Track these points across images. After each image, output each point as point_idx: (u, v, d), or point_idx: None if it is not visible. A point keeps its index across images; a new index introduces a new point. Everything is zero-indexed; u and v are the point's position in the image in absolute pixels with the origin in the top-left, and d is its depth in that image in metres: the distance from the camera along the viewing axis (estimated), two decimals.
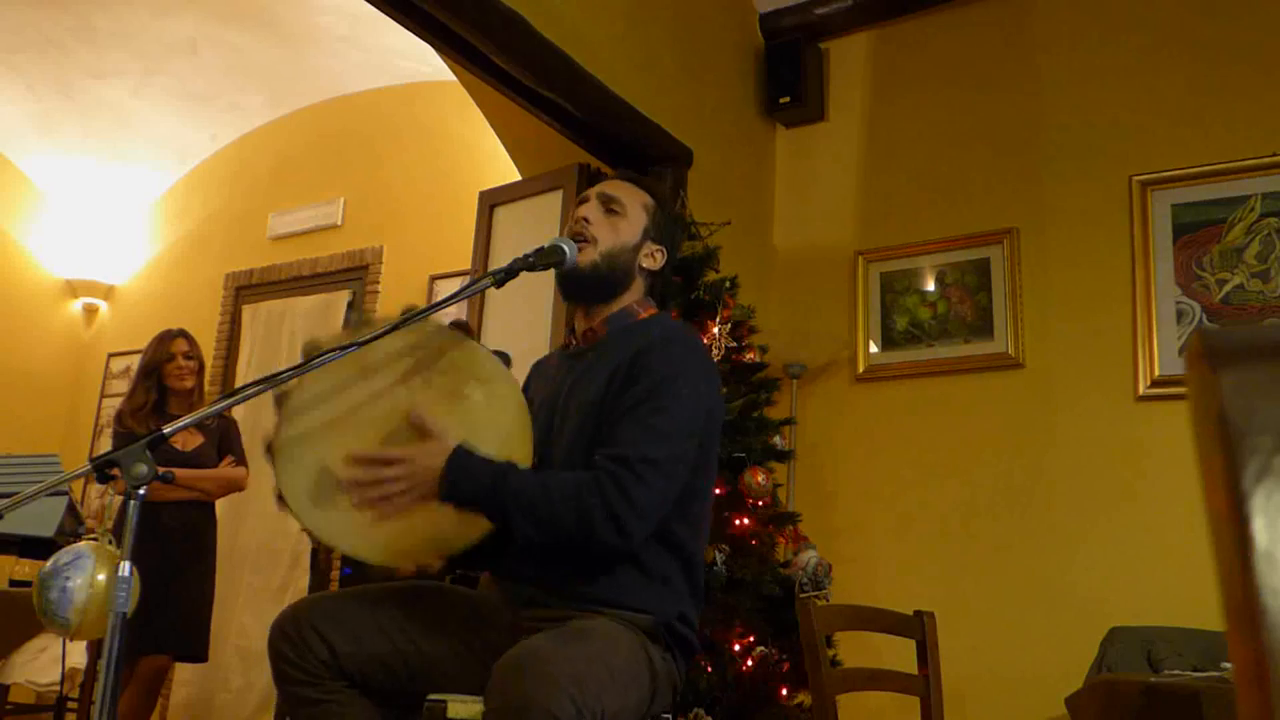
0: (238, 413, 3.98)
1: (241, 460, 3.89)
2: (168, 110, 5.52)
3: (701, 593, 1.75)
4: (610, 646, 1.49)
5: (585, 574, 1.62)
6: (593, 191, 1.86)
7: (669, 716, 1.71)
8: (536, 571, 1.67)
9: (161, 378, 3.77)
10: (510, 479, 1.54)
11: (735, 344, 3.04)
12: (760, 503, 2.94)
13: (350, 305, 5.02)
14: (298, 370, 1.51)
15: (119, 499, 3.38)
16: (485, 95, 3.46)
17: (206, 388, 3.97)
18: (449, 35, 2.85)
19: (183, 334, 3.87)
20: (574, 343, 1.86)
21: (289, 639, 1.60)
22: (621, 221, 1.80)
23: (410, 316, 1.57)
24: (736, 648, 2.73)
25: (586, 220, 1.78)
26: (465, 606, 1.72)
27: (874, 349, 3.82)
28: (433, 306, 1.63)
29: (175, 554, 3.56)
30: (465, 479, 1.52)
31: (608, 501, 1.52)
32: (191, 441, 3.75)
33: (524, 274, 1.69)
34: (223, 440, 3.86)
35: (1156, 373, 3.27)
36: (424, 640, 1.65)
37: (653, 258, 1.82)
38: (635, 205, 1.82)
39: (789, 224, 4.12)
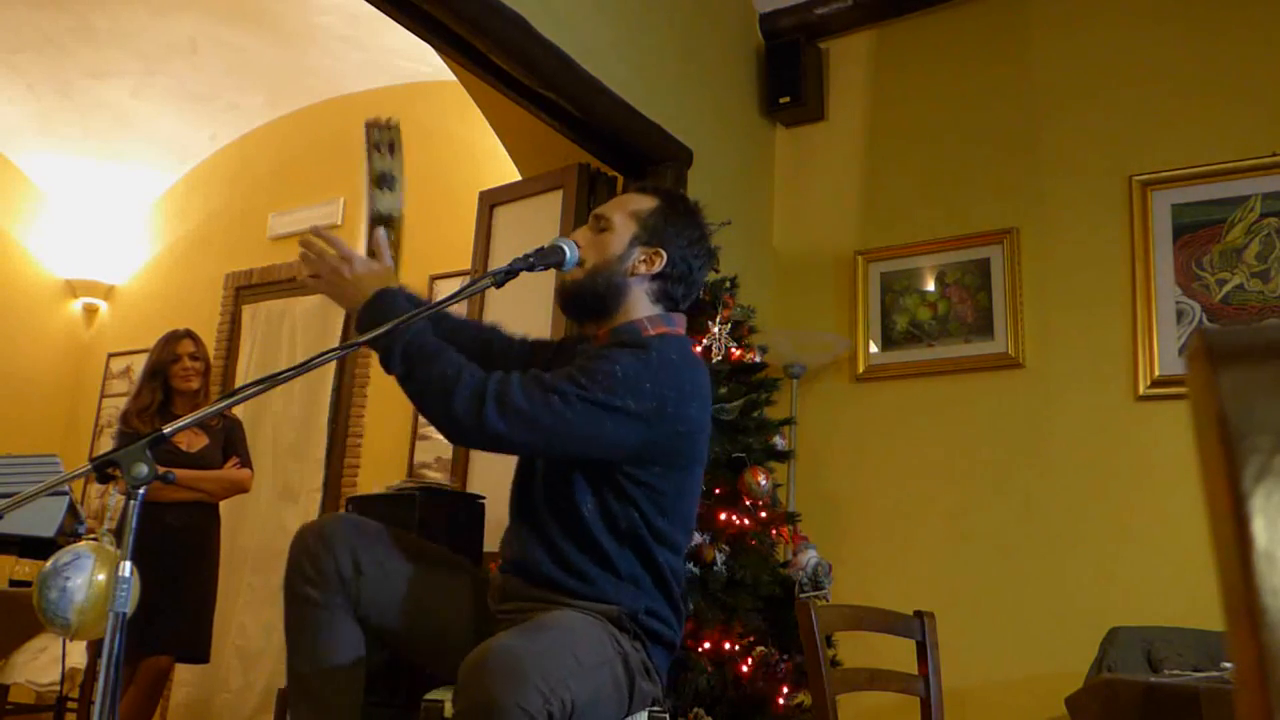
0: (237, 413, 3.98)
1: (246, 462, 3.88)
2: (167, 110, 5.52)
3: (678, 601, 1.77)
4: (573, 634, 1.51)
5: (559, 567, 1.67)
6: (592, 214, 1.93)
7: (667, 717, 1.72)
8: (514, 568, 1.73)
9: (167, 379, 3.76)
10: (415, 327, 1.63)
11: (735, 344, 3.04)
12: (760, 503, 2.94)
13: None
14: (298, 370, 1.52)
15: (122, 499, 3.38)
16: (485, 95, 3.46)
17: (210, 389, 3.96)
18: (449, 35, 2.84)
19: (189, 335, 3.86)
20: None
21: (321, 537, 1.68)
22: (606, 236, 1.81)
23: (407, 317, 1.62)
24: (736, 648, 2.73)
25: (577, 245, 1.82)
26: (473, 591, 1.79)
27: (874, 349, 3.82)
28: (428, 309, 1.67)
29: (179, 555, 3.56)
30: (378, 310, 1.66)
31: (482, 384, 1.58)
32: (196, 443, 3.74)
33: (524, 274, 1.71)
34: (228, 442, 3.85)
35: (1156, 373, 3.27)
36: (439, 603, 1.73)
37: (647, 261, 1.80)
38: (622, 215, 1.82)
39: (789, 224, 4.11)
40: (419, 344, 1.61)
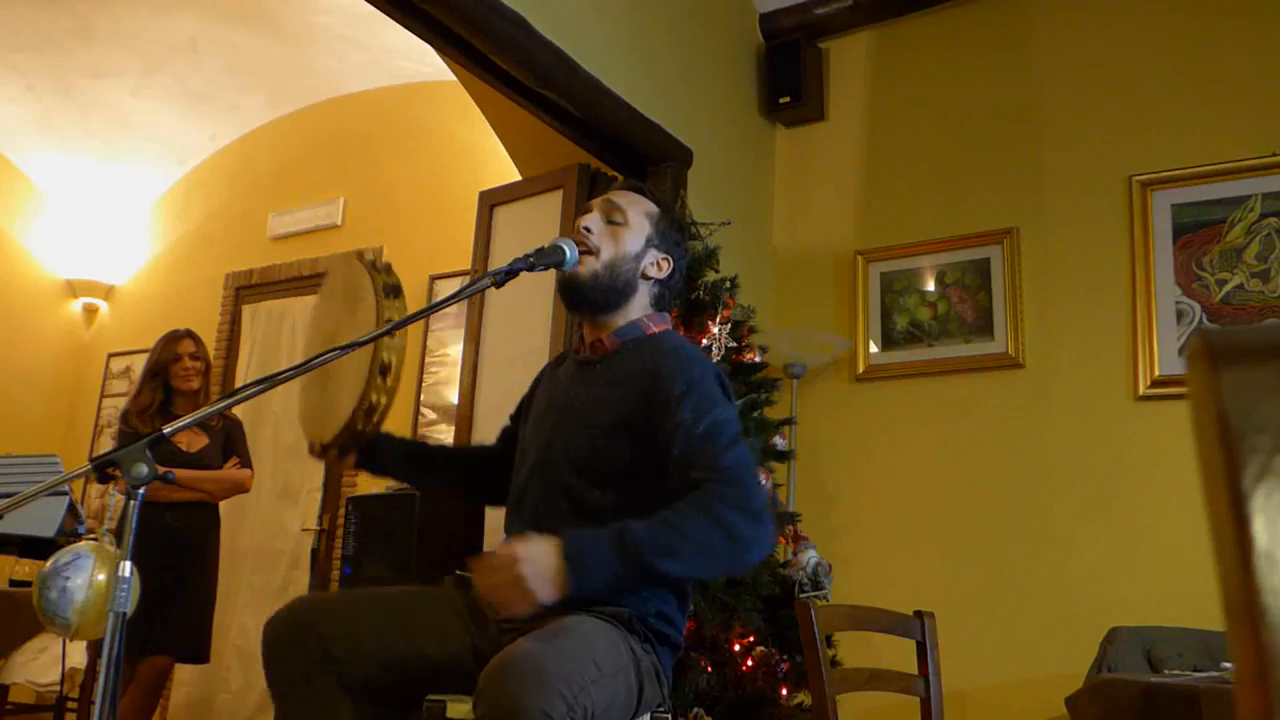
0: (237, 413, 3.98)
1: (247, 462, 3.88)
2: (168, 110, 5.52)
3: (687, 598, 1.76)
4: (591, 639, 1.49)
5: None
6: (595, 202, 1.87)
7: (669, 717, 1.72)
8: None
9: (168, 379, 3.75)
10: (629, 533, 1.49)
11: (735, 344, 3.04)
12: None
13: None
14: (298, 370, 1.52)
15: (122, 499, 3.38)
16: (485, 95, 3.46)
17: (210, 388, 3.96)
18: (449, 35, 2.84)
19: (190, 334, 3.86)
20: (583, 350, 1.85)
21: (283, 636, 1.60)
22: (623, 230, 1.80)
23: (397, 324, 1.61)
24: (736, 648, 2.73)
25: (588, 230, 1.79)
26: (463, 610, 1.73)
27: (874, 349, 3.82)
28: (428, 309, 1.66)
29: (178, 556, 3.56)
30: (588, 559, 1.47)
31: (734, 501, 1.49)
32: (196, 443, 3.74)
33: (524, 274, 1.70)
34: (228, 442, 3.85)
35: (1156, 373, 3.27)
36: (424, 643, 1.66)
37: (658, 266, 1.83)
38: (638, 214, 1.83)
39: (789, 224, 4.12)
40: (659, 544, 1.48)
